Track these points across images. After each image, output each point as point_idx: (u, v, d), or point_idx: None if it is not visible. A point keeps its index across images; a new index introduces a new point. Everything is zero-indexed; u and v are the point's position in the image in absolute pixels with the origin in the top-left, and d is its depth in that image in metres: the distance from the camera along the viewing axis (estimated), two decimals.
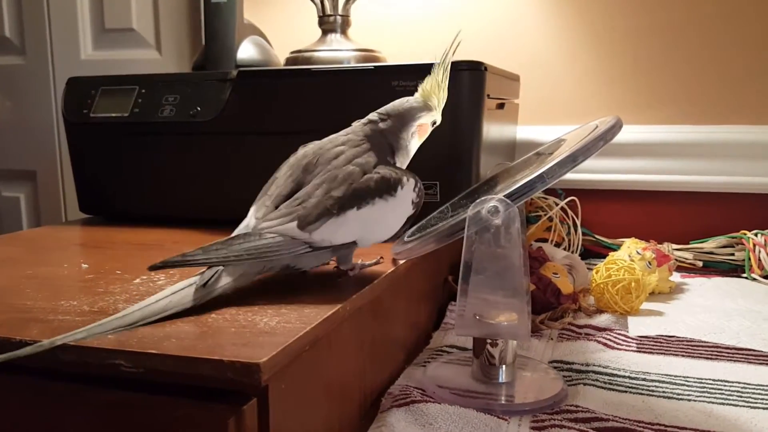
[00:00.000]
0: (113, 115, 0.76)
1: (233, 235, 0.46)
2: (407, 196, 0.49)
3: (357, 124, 0.52)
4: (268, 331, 0.37)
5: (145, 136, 0.76)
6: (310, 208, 0.47)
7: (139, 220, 0.77)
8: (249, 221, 0.48)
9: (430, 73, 0.51)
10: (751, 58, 0.91)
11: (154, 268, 0.43)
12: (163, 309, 0.41)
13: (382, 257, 0.55)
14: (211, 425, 0.33)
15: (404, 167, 0.52)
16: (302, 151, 0.51)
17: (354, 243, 0.49)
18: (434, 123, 0.53)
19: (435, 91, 0.51)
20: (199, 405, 0.34)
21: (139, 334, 0.37)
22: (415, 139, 0.52)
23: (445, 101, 0.52)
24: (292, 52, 0.85)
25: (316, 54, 0.83)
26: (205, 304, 0.42)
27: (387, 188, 0.48)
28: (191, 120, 0.72)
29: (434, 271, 0.70)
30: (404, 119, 0.51)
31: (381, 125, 0.51)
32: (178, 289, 0.42)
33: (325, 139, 0.51)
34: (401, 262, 0.55)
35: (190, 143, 0.74)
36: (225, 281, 0.44)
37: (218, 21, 0.79)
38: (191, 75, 0.77)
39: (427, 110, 0.52)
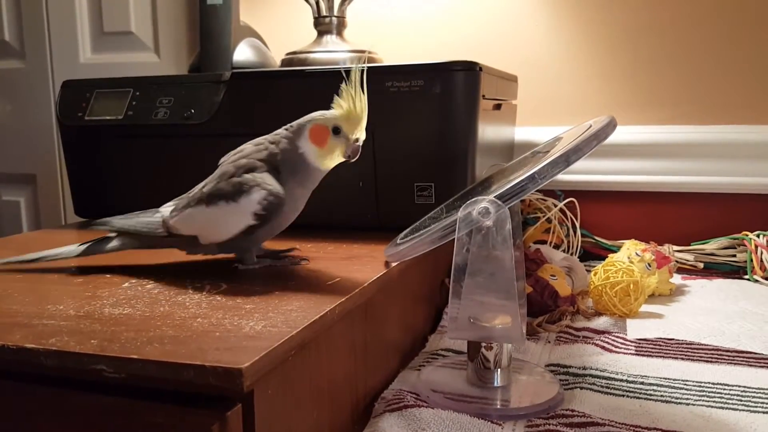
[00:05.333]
0: (108, 117, 0.76)
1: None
2: (249, 206, 0.49)
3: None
4: (253, 336, 0.37)
5: (139, 138, 0.75)
6: (190, 198, 0.53)
7: None
8: None
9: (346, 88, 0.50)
10: (751, 57, 0.90)
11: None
12: (56, 254, 0.54)
13: (306, 259, 0.56)
14: (195, 431, 0.33)
15: (298, 174, 0.51)
16: None
17: (195, 237, 0.52)
18: (352, 137, 0.50)
19: (350, 102, 0.49)
20: (183, 411, 0.33)
21: (123, 339, 0.36)
22: (309, 146, 0.50)
23: (365, 113, 0.50)
24: (287, 54, 0.85)
25: (311, 55, 0.82)
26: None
27: (233, 193, 0.50)
28: (185, 122, 0.72)
29: (430, 274, 0.70)
30: (300, 127, 0.51)
31: (285, 132, 0.51)
32: (77, 245, 0.55)
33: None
34: (394, 264, 0.54)
35: (184, 145, 0.74)
36: (113, 244, 0.55)
37: (214, 23, 0.79)
38: (185, 77, 0.76)
39: (324, 117, 0.50)
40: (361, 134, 0.50)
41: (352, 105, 0.49)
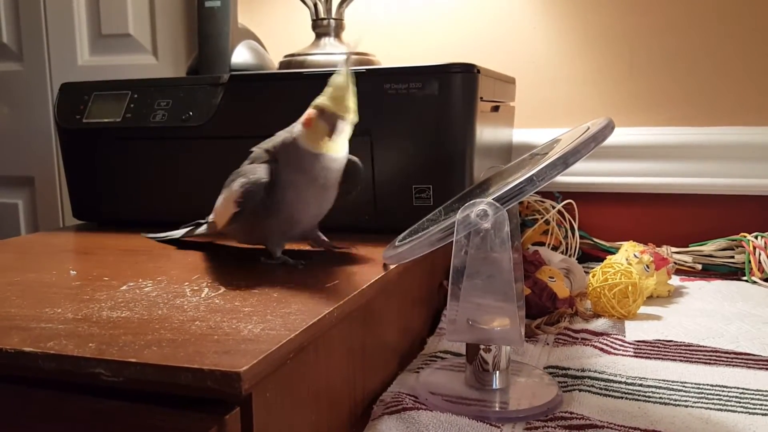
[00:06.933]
0: (106, 120, 0.76)
1: None
2: (232, 194, 0.53)
3: None
4: (252, 339, 0.37)
5: (137, 140, 0.75)
6: None
7: (132, 226, 0.76)
8: None
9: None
10: (749, 58, 0.90)
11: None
12: (170, 234, 0.67)
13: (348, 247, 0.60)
14: None
15: (294, 160, 0.52)
16: None
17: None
18: (335, 116, 0.50)
19: (333, 83, 0.50)
20: (181, 414, 0.33)
21: (121, 342, 0.36)
22: (300, 130, 0.52)
23: (348, 92, 0.50)
24: (285, 56, 0.85)
25: (309, 57, 0.82)
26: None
27: (229, 183, 0.54)
28: (183, 125, 0.72)
29: (429, 276, 0.69)
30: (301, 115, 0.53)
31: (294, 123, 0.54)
32: (182, 228, 0.66)
33: None
34: (392, 266, 0.54)
35: (182, 148, 0.74)
36: (201, 230, 0.63)
37: (212, 25, 0.79)
38: (183, 80, 0.76)
39: (315, 101, 0.51)
40: (346, 113, 0.50)
41: (334, 85, 0.50)
